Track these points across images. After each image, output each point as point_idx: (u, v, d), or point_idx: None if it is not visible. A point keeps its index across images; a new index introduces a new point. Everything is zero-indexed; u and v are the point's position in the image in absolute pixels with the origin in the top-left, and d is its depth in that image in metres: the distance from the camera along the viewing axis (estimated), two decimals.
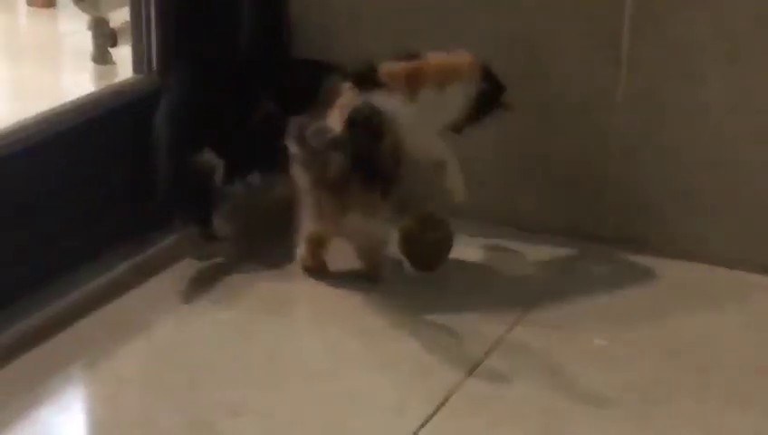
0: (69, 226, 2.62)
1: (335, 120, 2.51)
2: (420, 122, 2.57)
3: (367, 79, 2.55)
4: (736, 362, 2.43)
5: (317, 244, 2.64)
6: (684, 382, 2.35)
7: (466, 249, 2.85)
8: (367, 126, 2.46)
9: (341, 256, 2.66)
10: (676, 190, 2.85)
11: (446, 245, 2.74)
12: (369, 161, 2.46)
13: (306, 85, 2.77)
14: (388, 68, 2.56)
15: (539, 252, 2.87)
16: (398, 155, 2.52)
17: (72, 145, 2.64)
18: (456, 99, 2.65)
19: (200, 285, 2.67)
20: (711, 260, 2.81)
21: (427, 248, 2.73)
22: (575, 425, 2.20)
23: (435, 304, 2.61)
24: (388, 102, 2.50)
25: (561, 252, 2.87)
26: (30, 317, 2.45)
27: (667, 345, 2.49)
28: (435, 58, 2.62)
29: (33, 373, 2.32)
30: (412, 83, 2.57)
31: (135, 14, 2.83)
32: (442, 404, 2.24)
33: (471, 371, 2.36)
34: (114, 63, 3.21)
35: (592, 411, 2.25)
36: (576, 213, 2.94)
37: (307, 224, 2.60)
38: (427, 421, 2.18)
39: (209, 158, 2.70)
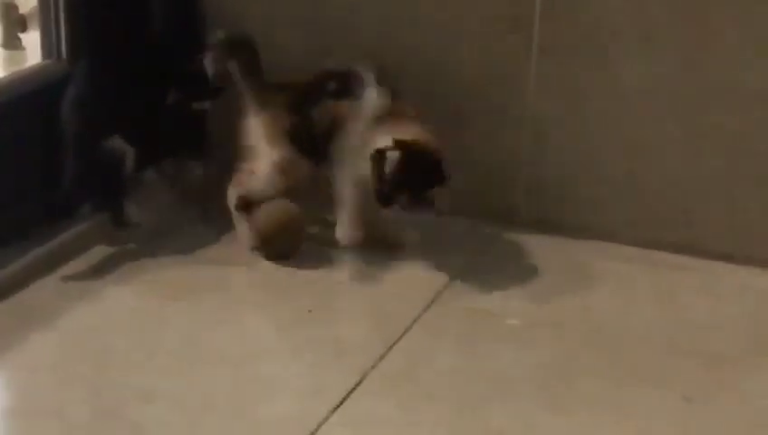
0: None
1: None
2: None
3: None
4: (648, 341, 2.47)
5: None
6: (595, 362, 2.38)
7: None
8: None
9: None
10: (590, 173, 2.88)
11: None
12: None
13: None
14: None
15: (455, 235, 2.88)
16: None
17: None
18: None
19: (111, 271, 2.66)
20: (624, 241, 2.85)
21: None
22: (488, 404, 2.21)
23: (350, 287, 2.62)
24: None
25: (476, 235, 2.89)
26: None
27: (580, 325, 2.52)
28: None
29: None
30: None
31: None
32: (356, 386, 2.24)
33: (386, 352, 2.37)
34: (24, 49, 3.17)
35: (505, 391, 2.26)
36: (490, 197, 2.96)
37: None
38: (341, 403, 2.19)
39: (119, 144, 2.68)
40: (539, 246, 2.84)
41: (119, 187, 2.72)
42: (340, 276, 2.67)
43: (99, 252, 2.71)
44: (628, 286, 2.70)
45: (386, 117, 2.62)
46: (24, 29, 3.21)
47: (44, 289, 2.57)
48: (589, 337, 2.47)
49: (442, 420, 2.13)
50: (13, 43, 3.22)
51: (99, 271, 2.65)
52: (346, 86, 2.66)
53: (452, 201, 2.91)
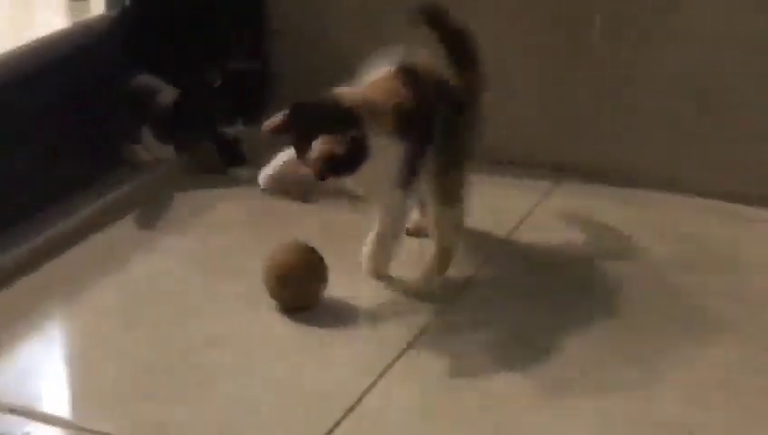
0: (44, 164, 2.62)
1: None
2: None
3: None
4: (713, 291, 2.45)
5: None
6: (663, 314, 2.38)
7: None
8: None
9: None
10: (661, 124, 2.86)
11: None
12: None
13: None
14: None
15: (514, 184, 2.89)
16: None
17: (52, 79, 2.63)
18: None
19: (177, 219, 2.69)
20: (687, 191, 2.84)
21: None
22: (553, 353, 2.22)
23: (406, 243, 2.61)
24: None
25: (539, 185, 2.89)
26: (8, 252, 2.45)
27: (644, 276, 2.52)
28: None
29: (14, 306, 2.34)
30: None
31: None
32: (421, 334, 2.26)
33: (446, 304, 2.39)
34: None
35: (572, 342, 2.27)
36: (560, 148, 2.95)
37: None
38: (405, 351, 2.21)
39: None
40: (606, 197, 2.83)
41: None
42: None
43: (166, 200, 2.75)
44: (696, 237, 2.67)
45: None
46: None
47: (111, 237, 2.61)
48: (653, 287, 2.46)
49: (504, 368, 2.13)
50: None
51: (165, 218, 2.69)
52: None
53: (513, 149, 2.92)
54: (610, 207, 2.79)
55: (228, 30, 2.85)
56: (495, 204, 2.79)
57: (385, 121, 2.21)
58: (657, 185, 2.84)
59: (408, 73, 2.29)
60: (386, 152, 2.22)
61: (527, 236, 2.66)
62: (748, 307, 2.38)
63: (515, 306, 2.38)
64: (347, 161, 2.14)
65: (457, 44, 2.36)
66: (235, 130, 2.74)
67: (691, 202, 2.81)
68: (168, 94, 2.76)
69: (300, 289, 2.30)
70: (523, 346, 2.24)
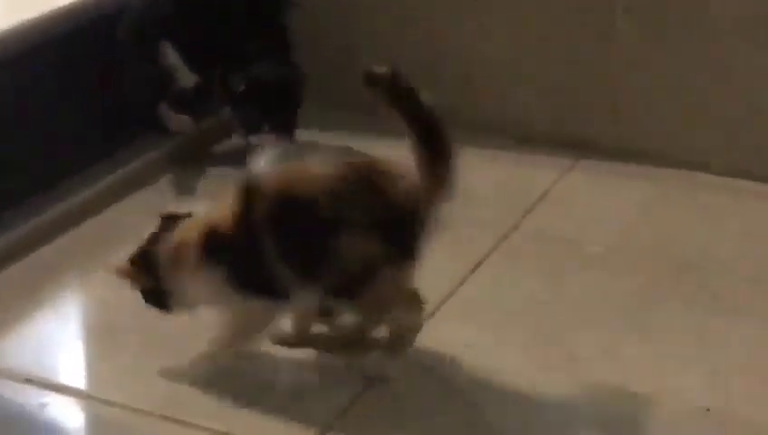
0: (62, 135, 2.62)
1: None
2: None
3: None
4: (734, 272, 2.44)
5: None
6: (679, 291, 2.36)
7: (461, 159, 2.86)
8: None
9: None
10: (676, 100, 2.83)
11: None
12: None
13: None
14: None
15: (535, 160, 2.87)
16: None
17: (66, 52, 2.63)
18: None
19: (191, 193, 2.69)
20: (711, 170, 2.81)
21: None
22: (570, 332, 2.21)
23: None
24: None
25: (558, 162, 2.87)
26: (25, 224, 2.46)
27: (664, 254, 2.49)
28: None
29: (30, 278, 2.34)
30: None
31: None
32: (436, 311, 2.25)
33: (466, 277, 2.37)
34: None
35: (588, 318, 2.26)
36: (573, 124, 2.93)
37: None
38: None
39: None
40: (627, 175, 2.82)
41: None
42: None
43: (186, 171, 2.76)
44: (715, 215, 2.66)
45: None
46: None
47: (128, 210, 2.61)
48: (672, 265, 2.45)
49: (522, 344, 2.12)
50: None
51: (185, 189, 2.69)
52: None
53: (533, 127, 2.91)
54: (630, 185, 2.77)
55: (254, 34, 2.72)
56: (515, 181, 2.78)
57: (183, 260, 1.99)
58: (678, 163, 2.82)
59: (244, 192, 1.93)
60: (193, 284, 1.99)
61: (546, 213, 2.65)
62: None
63: (533, 283, 2.36)
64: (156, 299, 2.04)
65: (423, 129, 1.95)
66: (261, 137, 2.60)
67: (711, 180, 2.79)
68: (188, 78, 2.75)
69: None
70: (541, 324, 2.23)
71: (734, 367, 2.11)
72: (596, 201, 2.71)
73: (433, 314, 2.23)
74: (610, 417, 1.97)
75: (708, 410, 1.98)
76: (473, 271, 2.40)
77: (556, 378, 2.06)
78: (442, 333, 2.17)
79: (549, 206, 2.68)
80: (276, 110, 2.57)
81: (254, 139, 2.58)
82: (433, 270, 2.37)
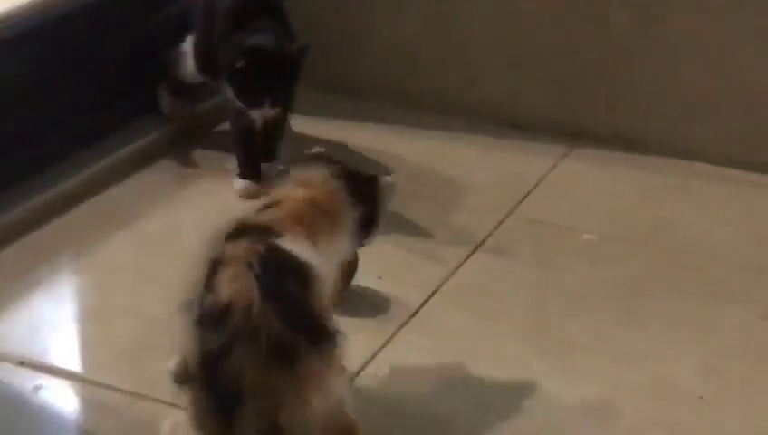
0: (59, 116, 2.61)
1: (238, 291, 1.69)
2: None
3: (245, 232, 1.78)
4: (725, 259, 2.44)
5: None
6: (672, 278, 2.36)
7: (457, 146, 2.87)
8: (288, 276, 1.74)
9: None
10: (672, 90, 2.83)
11: None
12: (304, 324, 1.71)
13: None
14: (267, 217, 1.83)
15: (531, 149, 2.87)
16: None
17: (65, 33, 2.62)
18: (344, 241, 1.91)
19: (188, 176, 2.69)
20: (705, 159, 2.82)
21: None
22: (563, 318, 2.22)
23: (424, 205, 2.62)
24: (295, 246, 1.77)
25: (553, 150, 2.87)
26: (20, 206, 2.45)
27: (657, 242, 2.50)
28: (298, 196, 1.87)
29: (24, 260, 2.34)
30: (309, 227, 1.83)
31: None
32: (430, 297, 2.25)
33: (460, 264, 2.37)
34: None
35: (580, 304, 2.26)
36: (570, 112, 2.93)
37: None
38: (415, 313, 2.20)
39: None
40: (620, 163, 2.82)
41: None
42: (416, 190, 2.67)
43: (175, 158, 2.75)
44: (708, 204, 2.67)
45: None
46: None
47: (123, 192, 2.60)
48: (665, 253, 2.45)
49: (516, 331, 2.13)
50: None
51: (176, 175, 2.69)
52: None
53: (529, 114, 2.91)
54: (624, 173, 2.78)
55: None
56: (511, 168, 2.78)
57: None
58: (672, 152, 2.83)
59: None
60: None
61: (541, 200, 2.65)
62: (765, 279, 2.37)
63: (527, 269, 2.37)
64: None
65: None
66: (264, 112, 2.56)
67: (705, 169, 2.80)
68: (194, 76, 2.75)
69: None
70: (534, 311, 2.24)
71: (726, 354, 2.11)
72: (590, 189, 2.71)
73: (428, 299, 2.23)
74: (603, 403, 1.98)
75: (701, 397, 1.99)
76: (468, 257, 2.40)
77: (550, 364, 2.06)
78: (437, 319, 2.17)
79: (544, 193, 2.68)
80: (276, 82, 2.55)
81: (255, 113, 2.56)
82: (429, 256, 2.39)
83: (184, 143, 2.80)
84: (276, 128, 2.66)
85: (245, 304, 1.66)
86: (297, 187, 1.88)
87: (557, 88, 2.93)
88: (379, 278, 2.29)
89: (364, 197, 1.93)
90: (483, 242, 2.46)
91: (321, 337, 1.70)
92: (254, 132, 2.63)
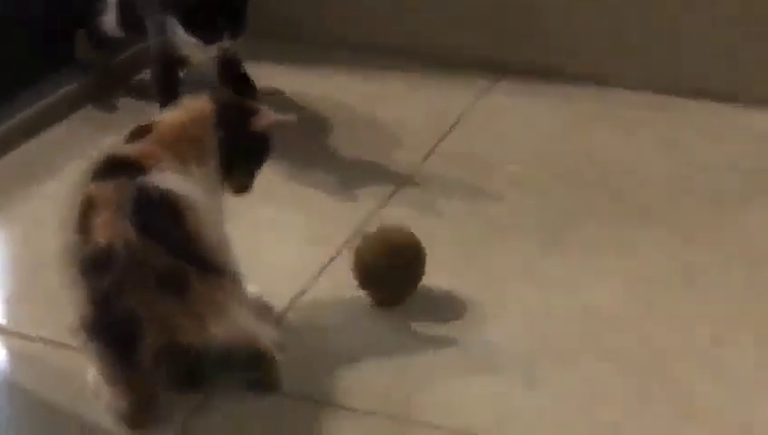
0: None
1: (113, 233, 1.70)
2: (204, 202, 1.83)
3: (113, 168, 1.78)
4: (651, 183, 2.47)
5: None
6: (598, 205, 2.39)
7: (384, 83, 2.87)
8: (160, 217, 1.73)
9: None
10: (596, 20, 2.85)
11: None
12: (186, 254, 1.71)
13: None
14: (135, 148, 1.83)
15: (455, 82, 2.87)
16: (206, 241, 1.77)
17: None
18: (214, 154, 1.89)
19: (107, 128, 2.66)
20: (629, 86, 2.84)
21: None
22: (490, 249, 2.23)
23: (350, 143, 2.62)
24: (166, 180, 1.77)
25: (479, 83, 2.87)
26: None
27: (583, 169, 2.52)
28: (173, 118, 1.89)
29: None
30: (175, 155, 1.82)
31: None
32: (357, 232, 2.26)
33: (387, 199, 2.38)
34: None
35: (506, 234, 2.28)
36: (498, 46, 2.93)
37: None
38: (343, 248, 2.21)
39: None
40: (544, 94, 2.83)
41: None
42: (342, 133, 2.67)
43: (92, 110, 2.74)
44: (630, 130, 2.69)
45: None
46: None
47: (43, 146, 2.58)
48: (590, 181, 2.47)
49: (443, 263, 2.14)
50: None
51: (105, 122, 2.66)
52: None
53: (455, 50, 2.91)
54: (547, 104, 2.79)
55: None
56: (437, 103, 2.78)
57: None
58: (594, 80, 2.84)
59: None
60: None
61: (465, 134, 2.66)
62: (689, 201, 2.40)
63: (453, 203, 2.38)
64: None
65: None
66: (223, 44, 2.52)
67: (626, 96, 2.82)
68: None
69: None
70: (461, 243, 2.25)
71: (651, 277, 2.14)
72: (515, 121, 2.72)
73: (354, 235, 2.24)
74: (530, 330, 2.00)
75: (625, 319, 2.02)
76: (393, 194, 2.41)
77: (476, 294, 2.07)
78: None
79: (469, 127, 2.69)
80: (232, 13, 2.50)
81: (211, 49, 2.52)
82: (355, 193, 2.39)
83: (104, 93, 2.78)
84: (235, 59, 2.72)
85: (125, 244, 1.67)
86: (171, 112, 1.89)
87: (481, 23, 2.93)
88: (307, 215, 2.30)
89: (235, 127, 1.89)
90: (409, 177, 2.47)
91: (208, 265, 1.71)
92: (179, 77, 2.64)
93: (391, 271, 2.02)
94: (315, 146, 2.59)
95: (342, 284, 2.06)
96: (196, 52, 2.54)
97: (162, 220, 1.71)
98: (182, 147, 1.83)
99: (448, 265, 2.15)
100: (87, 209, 1.73)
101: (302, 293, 2.08)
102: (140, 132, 1.86)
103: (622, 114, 2.75)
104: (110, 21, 2.73)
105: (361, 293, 2.04)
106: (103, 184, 1.74)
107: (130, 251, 1.67)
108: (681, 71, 2.82)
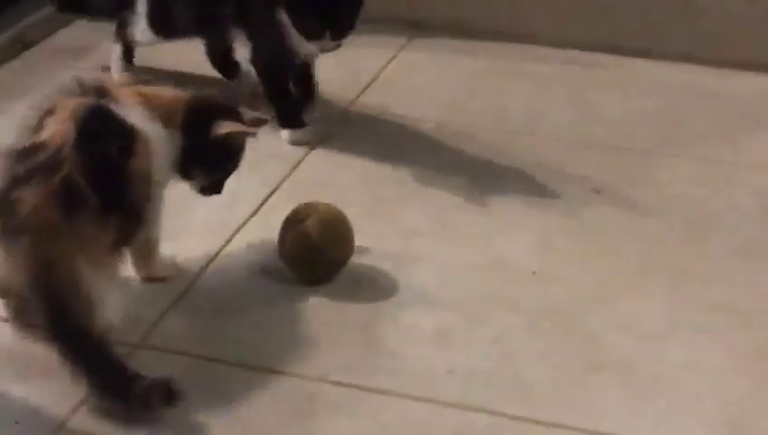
0: None
1: (57, 132, 1.71)
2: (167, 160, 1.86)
3: (85, 90, 1.79)
4: (560, 139, 2.50)
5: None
6: (507, 162, 2.41)
7: None
8: (107, 136, 1.73)
9: None
10: None
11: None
12: (110, 185, 1.72)
13: None
14: (113, 83, 1.88)
15: (366, 42, 2.87)
16: (148, 186, 1.80)
17: None
18: (175, 145, 1.89)
19: (78, 54, 2.69)
20: (538, 41, 2.86)
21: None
22: (401, 205, 2.25)
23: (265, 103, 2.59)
24: (136, 117, 1.79)
25: (389, 41, 2.88)
26: None
27: (493, 126, 2.54)
28: (153, 89, 1.91)
29: None
30: (147, 108, 1.84)
31: None
32: (271, 194, 2.26)
33: (297, 163, 2.38)
34: None
35: (419, 192, 2.29)
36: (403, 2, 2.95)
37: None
38: (257, 210, 2.21)
39: None
40: (459, 51, 2.84)
41: None
42: None
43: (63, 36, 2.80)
44: (542, 86, 2.72)
45: None
46: None
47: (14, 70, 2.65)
48: (502, 137, 2.50)
49: (355, 220, 2.14)
50: None
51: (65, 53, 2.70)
52: None
53: (368, 7, 2.90)
54: (461, 61, 2.81)
55: None
56: (352, 62, 2.78)
57: None
58: (507, 37, 2.87)
59: None
60: None
61: (380, 92, 2.67)
62: (599, 154, 2.43)
63: (366, 162, 2.39)
64: None
65: None
66: (324, 44, 2.35)
67: (539, 51, 2.84)
68: None
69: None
70: (374, 201, 2.26)
71: (560, 229, 2.17)
72: (428, 78, 2.74)
73: (267, 199, 2.24)
74: (441, 284, 2.02)
75: (534, 272, 2.05)
76: (307, 154, 2.41)
77: (388, 250, 2.09)
78: (276, 215, 2.18)
79: (383, 85, 2.70)
80: (335, 11, 2.32)
81: (312, 46, 2.36)
82: (269, 154, 2.39)
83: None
84: (312, 64, 2.53)
85: (58, 143, 1.68)
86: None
87: None
88: None
89: (195, 132, 1.88)
90: (326, 138, 2.47)
91: (118, 206, 1.72)
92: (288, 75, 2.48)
93: (334, 263, 2.02)
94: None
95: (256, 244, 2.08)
96: (302, 46, 2.39)
97: (105, 142, 1.71)
98: (153, 104, 1.84)
99: (362, 221, 2.13)
100: (45, 114, 1.74)
101: (216, 254, 2.08)
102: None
103: (535, 70, 2.78)
104: (141, 31, 2.58)
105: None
106: (70, 99, 1.76)
107: (56, 152, 1.67)
108: (594, 27, 2.84)
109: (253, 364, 1.81)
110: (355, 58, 2.80)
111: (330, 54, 2.75)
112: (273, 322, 1.91)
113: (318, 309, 1.94)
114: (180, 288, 1.97)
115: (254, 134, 1.94)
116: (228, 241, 2.11)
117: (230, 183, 2.27)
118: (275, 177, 2.32)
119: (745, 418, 1.72)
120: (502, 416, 1.71)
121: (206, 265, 2.04)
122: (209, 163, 1.94)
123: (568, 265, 2.06)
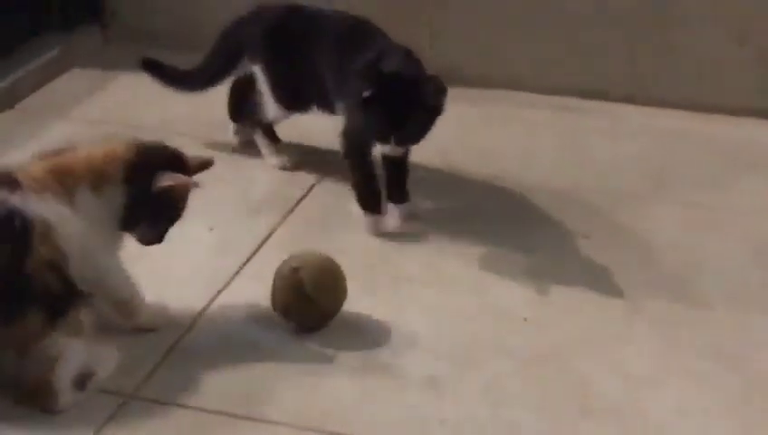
0: None
1: None
2: (84, 233, 1.86)
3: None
4: (549, 184, 2.51)
5: None
6: (496, 206, 2.43)
7: None
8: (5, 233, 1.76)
9: None
10: (493, 21, 2.89)
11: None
12: (11, 282, 1.76)
13: None
14: (26, 167, 1.84)
15: None
16: (62, 272, 1.81)
17: None
18: (116, 202, 1.91)
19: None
20: (528, 88, 2.89)
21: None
22: (397, 256, 2.26)
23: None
24: (36, 204, 1.79)
25: None
26: None
27: (482, 171, 2.56)
28: (84, 151, 1.90)
29: None
30: (64, 182, 1.85)
31: None
32: (264, 242, 2.28)
33: (289, 212, 2.40)
34: None
35: (416, 240, 2.31)
36: None
37: None
38: (250, 258, 2.22)
39: None
40: (451, 98, 2.84)
41: None
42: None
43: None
44: (532, 131, 2.74)
45: None
46: None
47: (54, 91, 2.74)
48: (491, 183, 2.52)
49: (348, 268, 2.12)
50: None
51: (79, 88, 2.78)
52: None
53: None
54: (449, 107, 2.79)
55: None
56: None
57: None
58: (493, 83, 2.90)
59: None
60: None
61: None
62: (589, 199, 2.45)
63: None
64: None
65: None
66: (389, 148, 2.27)
67: (525, 97, 2.87)
68: None
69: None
70: (364, 247, 2.28)
71: (550, 275, 2.18)
72: None
73: (259, 247, 2.25)
74: (434, 333, 2.03)
75: (526, 319, 2.06)
76: (298, 203, 2.42)
77: (379, 296, 2.10)
78: (268, 265, 2.17)
79: None
80: (407, 115, 2.22)
81: (383, 148, 2.27)
82: (261, 201, 2.39)
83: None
84: (401, 165, 2.39)
85: None
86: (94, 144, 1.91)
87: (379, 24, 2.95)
88: (211, 229, 2.31)
89: (139, 183, 1.89)
90: (312, 188, 2.49)
91: (29, 302, 1.75)
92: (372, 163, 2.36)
93: (327, 312, 2.02)
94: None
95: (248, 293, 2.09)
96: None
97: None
98: (79, 177, 1.85)
99: (355, 273, 2.14)
100: None
101: (209, 303, 2.09)
102: (51, 154, 1.87)
103: (525, 115, 2.81)
104: (270, 108, 2.53)
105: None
106: None
107: None
108: (580, 74, 2.87)
109: (247, 415, 1.81)
110: None
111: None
112: (267, 371, 1.91)
113: (311, 358, 1.95)
114: (173, 338, 1.98)
115: (195, 185, 1.94)
116: (220, 291, 2.12)
117: (223, 231, 2.30)
118: (267, 225, 2.33)
119: None
120: None
121: (199, 315, 2.05)
122: (152, 216, 1.94)
123: (559, 312, 2.08)
